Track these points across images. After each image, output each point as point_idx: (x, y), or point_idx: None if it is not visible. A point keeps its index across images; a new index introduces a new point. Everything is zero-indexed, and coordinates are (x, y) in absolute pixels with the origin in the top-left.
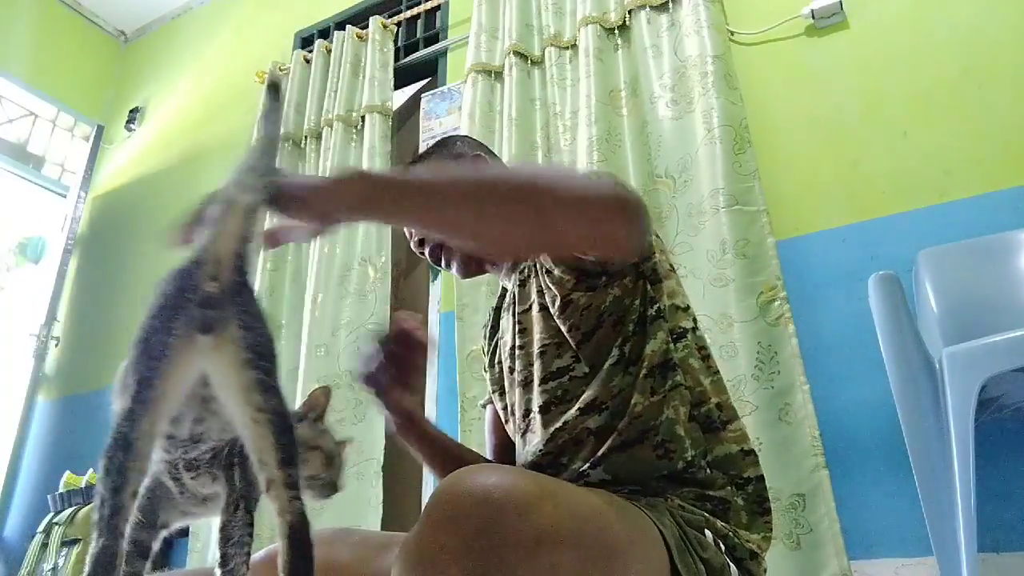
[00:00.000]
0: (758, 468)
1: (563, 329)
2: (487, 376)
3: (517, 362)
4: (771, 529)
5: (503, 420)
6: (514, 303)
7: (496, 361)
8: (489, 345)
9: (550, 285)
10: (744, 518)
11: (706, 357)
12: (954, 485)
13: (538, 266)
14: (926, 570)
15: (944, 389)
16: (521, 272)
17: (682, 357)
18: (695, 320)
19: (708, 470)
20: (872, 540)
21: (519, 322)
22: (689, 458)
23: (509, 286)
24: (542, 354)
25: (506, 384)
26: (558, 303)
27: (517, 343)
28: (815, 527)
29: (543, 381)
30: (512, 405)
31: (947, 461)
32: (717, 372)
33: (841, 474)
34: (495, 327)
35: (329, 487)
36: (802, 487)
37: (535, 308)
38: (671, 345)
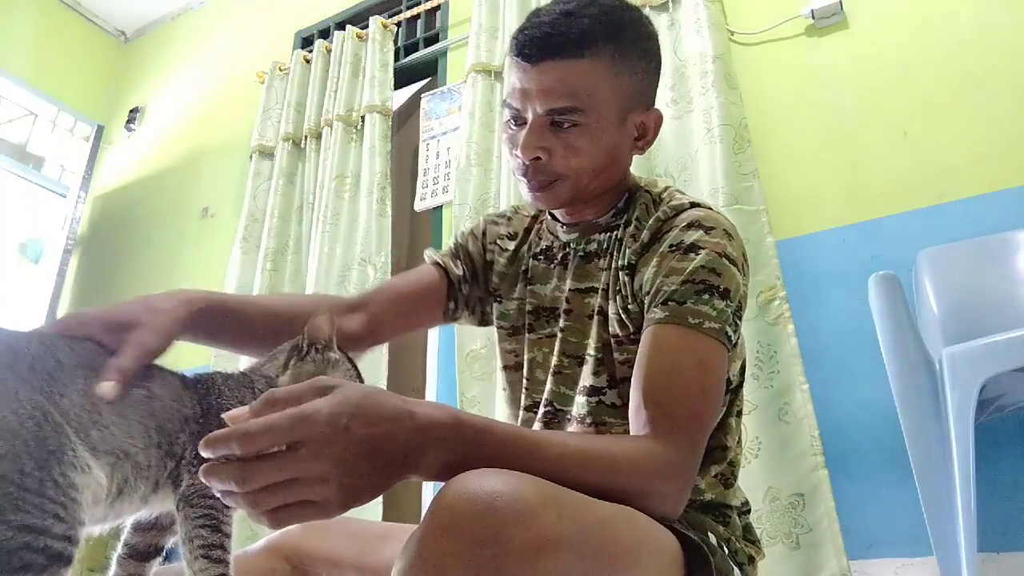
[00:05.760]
0: (749, 515)
1: (615, 356)
2: (476, 276)
3: (559, 343)
4: (761, 549)
5: (501, 360)
6: (565, 265)
7: (515, 297)
8: (510, 266)
9: (621, 315)
10: (740, 532)
11: (740, 412)
12: (954, 485)
13: (621, 270)
14: (926, 570)
15: (944, 389)
16: (588, 241)
17: (724, 417)
18: (744, 367)
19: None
20: (872, 540)
21: (568, 299)
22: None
23: (562, 237)
24: (586, 361)
25: (527, 340)
26: (620, 333)
27: (563, 323)
28: (814, 527)
29: (580, 392)
30: (531, 368)
31: (947, 461)
32: (741, 422)
33: (841, 474)
34: (517, 250)
35: None
36: (802, 487)
37: (596, 307)
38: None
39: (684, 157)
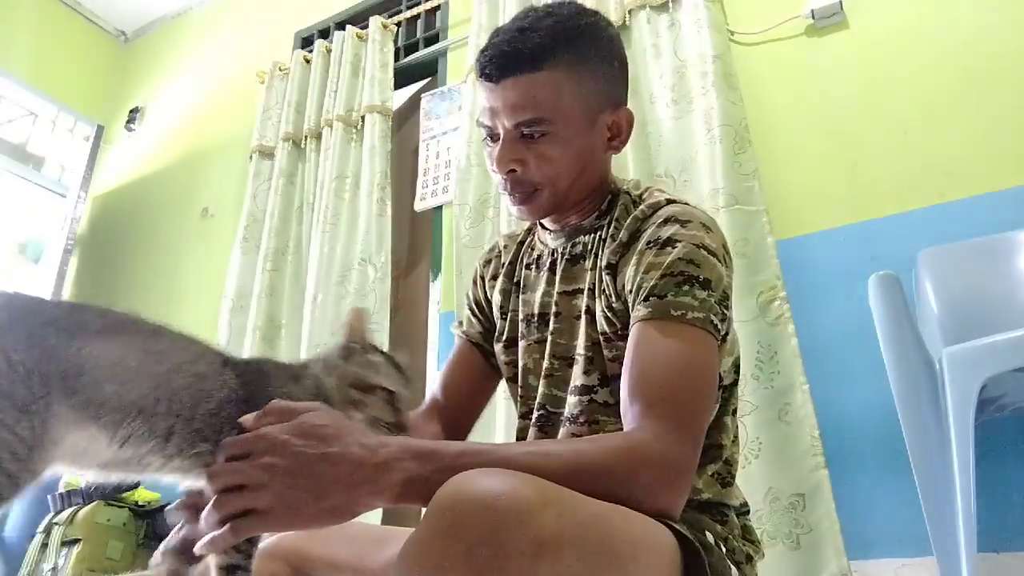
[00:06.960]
0: (748, 516)
1: (605, 354)
2: (492, 319)
3: (549, 346)
4: (760, 549)
5: (504, 373)
6: (553, 270)
7: (510, 309)
8: (507, 281)
9: (607, 313)
10: (738, 531)
11: (735, 411)
12: (954, 485)
13: (603, 271)
14: (926, 570)
15: (944, 389)
16: (574, 244)
17: (718, 416)
18: (738, 365)
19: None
20: (872, 540)
21: (556, 303)
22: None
23: (551, 244)
24: (576, 361)
25: (520, 348)
26: (608, 330)
27: (552, 326)
28: (815, 527)
29: (572, 392)
30: (524, 375)
31: (947, 461)
32: (737, 421)
33: (841, 474)
34: (513, 264)
35: (396, 429)
36: (802, 487)
37: (583, 307)
38: (715, 405)
39: (684, 157)
